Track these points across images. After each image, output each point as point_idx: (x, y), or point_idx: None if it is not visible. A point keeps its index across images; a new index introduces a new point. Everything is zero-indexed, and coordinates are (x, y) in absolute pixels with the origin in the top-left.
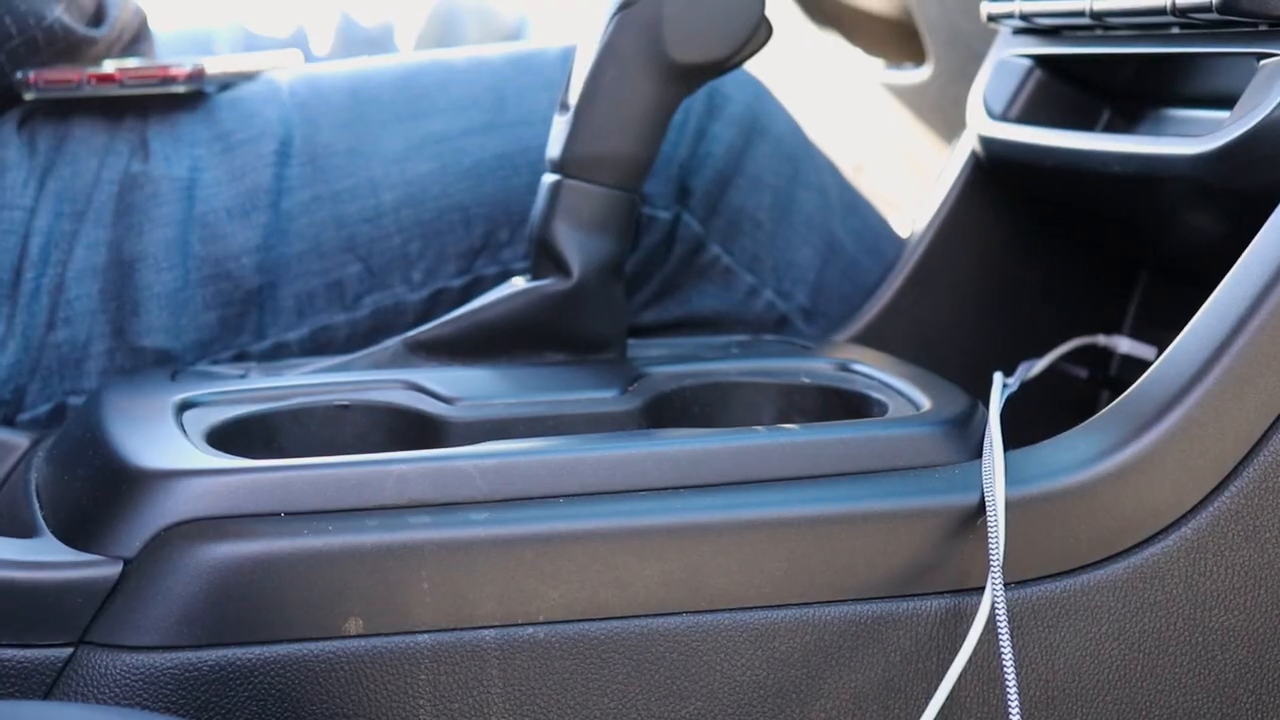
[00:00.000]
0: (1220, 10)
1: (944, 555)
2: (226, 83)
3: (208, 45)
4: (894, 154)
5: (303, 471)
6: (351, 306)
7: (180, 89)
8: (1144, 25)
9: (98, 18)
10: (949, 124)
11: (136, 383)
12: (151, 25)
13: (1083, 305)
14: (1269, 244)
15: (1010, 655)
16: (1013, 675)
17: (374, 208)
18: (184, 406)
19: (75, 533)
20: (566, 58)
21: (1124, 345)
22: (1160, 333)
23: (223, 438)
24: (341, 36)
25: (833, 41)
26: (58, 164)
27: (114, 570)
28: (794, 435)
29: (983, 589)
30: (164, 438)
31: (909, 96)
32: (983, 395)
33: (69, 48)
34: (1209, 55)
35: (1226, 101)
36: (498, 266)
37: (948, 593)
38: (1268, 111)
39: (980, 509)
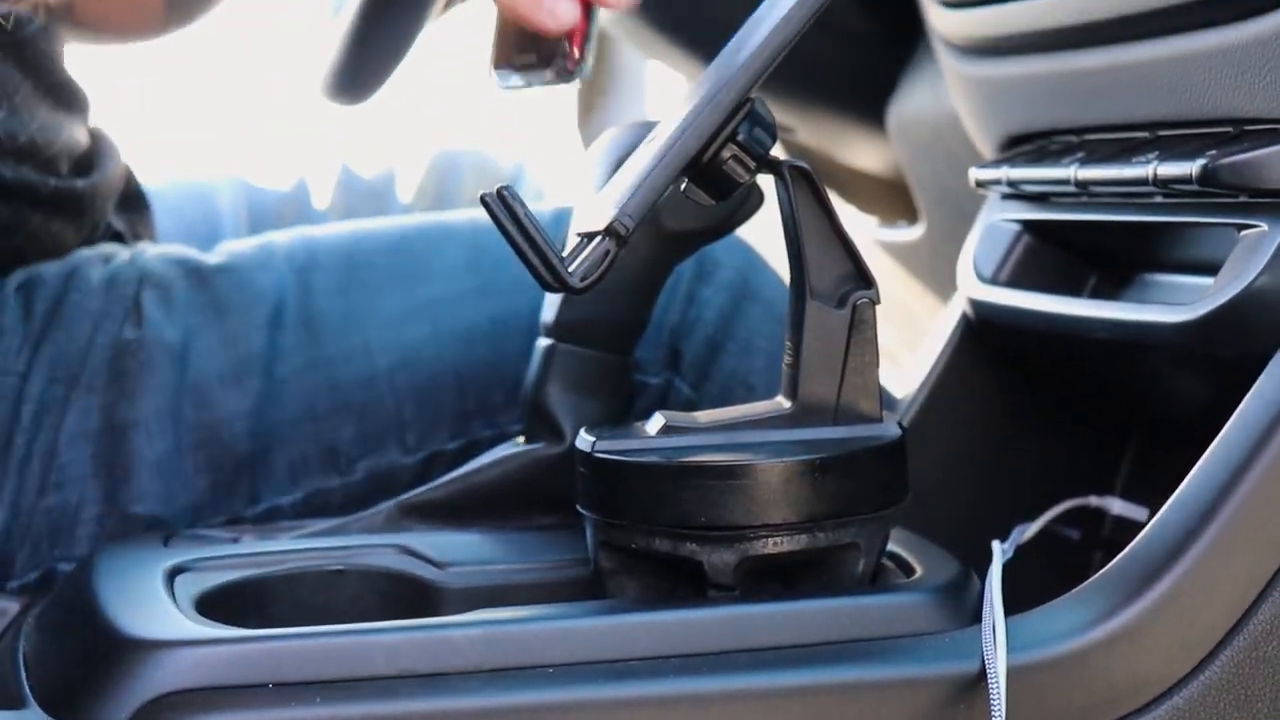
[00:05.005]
0: (1200, 182)
1: None
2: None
3: (209, 198)
4: (889, 306)
5: (291, 642)
6: (346, 470)
7: None
8: (1128, 194)
9: (82, 170)
10: (941, 281)
11: (129, 548)
12: (143, 180)
13: (1075, 465)
14: (1253, 411)
15: None
16: None
17: (368, 372)
18: (175, 572)
19: (61, 704)
20: (559, 220)
21: (1116, 506)
22: (1153, 493)
23: (214, 604)
24: (342, 188)
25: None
26: (52, 329)
27: None
28: (784, 603)
29: None
30: (153, 605)
31: (902, 254)
32: (974, 556)
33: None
34: (1192, 225)
35: (1210, 268)
36: (492, 430)
37: None
38: (1248, 282)
39: (978, 678)
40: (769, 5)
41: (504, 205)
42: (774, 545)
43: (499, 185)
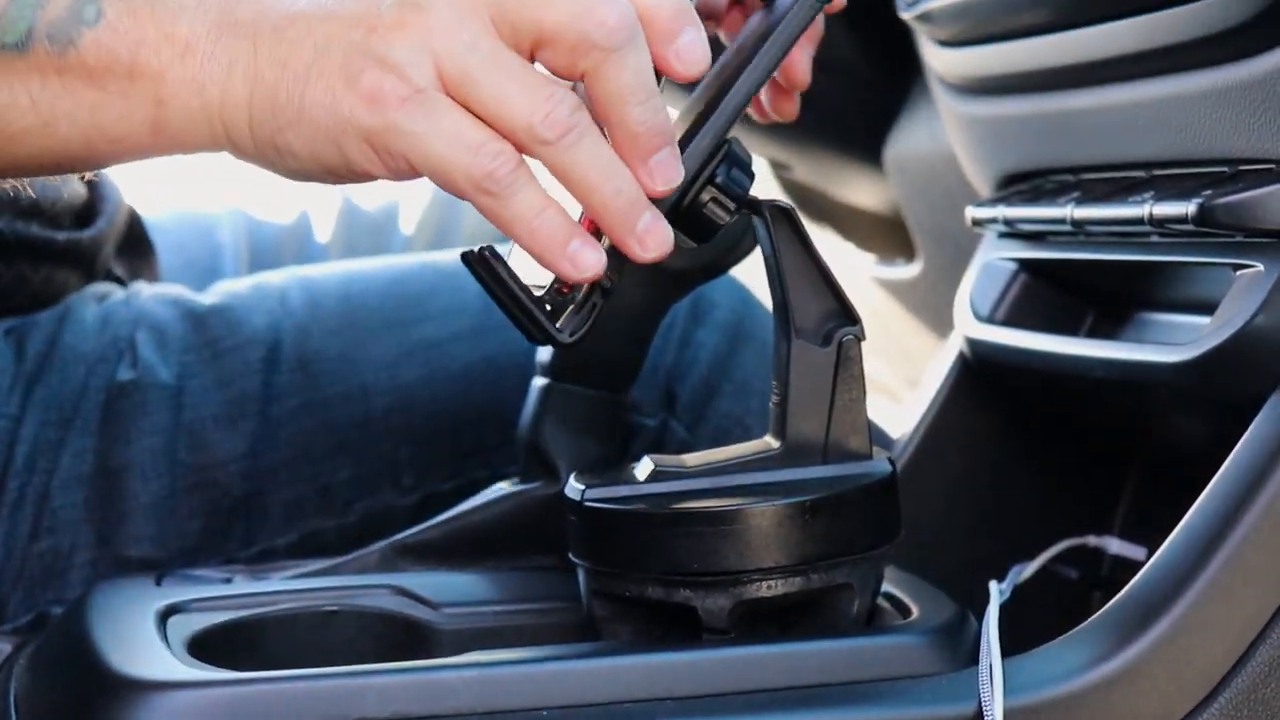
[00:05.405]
0: (1196, 222)
1: None
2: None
3: (210, 231)
4: (886, 343)
5: (283, 684)
6: (341, 512)
7: None
8: (1124, 233)
9: (85, 220)
10: (939, 318)
11: (121, 588)
12: (146, 220)
13: (1073, 504)
14: (1250, 451)
15: None
16: None
17: (364, 414)
18: (167, 613)
19: None
20: None
21: (1114, 546)
22: (1151, 532)
23: (206, 645)
24: (344, 221)
25: (826, 237)
26: (45, 372)
27: None
28: (778, 645)
29: None
30: (145, 647)
31: (900, 291)
32: (972, 595)
33: (54, 253)
34: (1188, 264)
35: (1207, 308)
36: (488, 470)
37: None
38: (1244, 321)
39: None
40: (742, 38)
41: (486, 265)
42: (768, 588)
43: (480, 245)
